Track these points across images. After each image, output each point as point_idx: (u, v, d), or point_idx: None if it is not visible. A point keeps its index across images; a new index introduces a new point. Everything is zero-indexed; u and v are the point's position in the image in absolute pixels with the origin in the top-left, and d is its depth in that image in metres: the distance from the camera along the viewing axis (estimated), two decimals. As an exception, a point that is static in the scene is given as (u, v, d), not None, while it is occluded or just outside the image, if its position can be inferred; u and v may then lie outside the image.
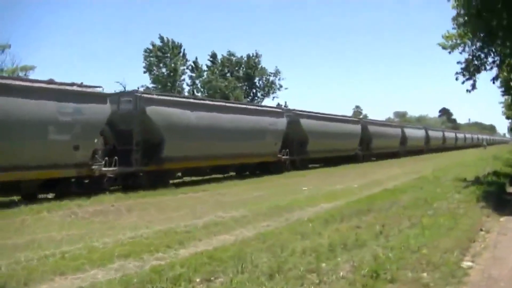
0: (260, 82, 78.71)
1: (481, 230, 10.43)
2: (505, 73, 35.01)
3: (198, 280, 6.72)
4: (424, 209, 12.03)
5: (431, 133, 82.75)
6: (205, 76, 72.11)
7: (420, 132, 77.71)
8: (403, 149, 66.72)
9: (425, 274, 6.81)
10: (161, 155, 23.58)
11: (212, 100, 36.28)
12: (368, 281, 6.31)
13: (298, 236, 9.46)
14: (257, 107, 39.27)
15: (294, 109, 43.48)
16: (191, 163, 26.35)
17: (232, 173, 31.42)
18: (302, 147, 40.60)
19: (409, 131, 71.61)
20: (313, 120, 43.36)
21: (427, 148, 77.59)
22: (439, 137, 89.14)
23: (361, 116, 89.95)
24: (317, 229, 10.11)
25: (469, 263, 7.70)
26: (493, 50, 26.10)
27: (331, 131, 45.33)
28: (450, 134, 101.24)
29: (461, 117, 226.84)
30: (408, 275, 6.72)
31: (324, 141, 43.14)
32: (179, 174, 27.99)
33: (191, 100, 30.36)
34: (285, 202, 15.86)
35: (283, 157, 36.67)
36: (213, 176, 29.42)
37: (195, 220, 12.79)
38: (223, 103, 34.32)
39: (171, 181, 25.58)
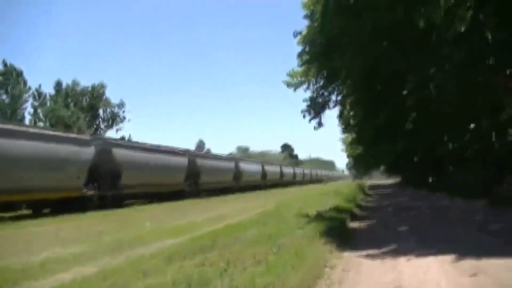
0: (104, 113, 77.17)
1: (326, 266, 10.38)
2: (345, 112, 36.67)
3: None
4: (268, 245, 11.76)
5: (268, 168, 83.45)
6: (48, 105, 69.34)
7: (256, 167, 77.13)
8: (237, 184, 64.69)
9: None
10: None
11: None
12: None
13: (140, 274, 8.89)
14: (54, 134, 33.13)
15: (105, 137, 44.12)
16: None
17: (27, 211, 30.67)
18: (114, 181, 37.39)
19: (244, 166, 70.15)
20: (129, 151, 40.05)
21: (264, 183, 77.12)
22: (276, 172, 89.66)
23: (205, 150, 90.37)
24: (160, 266, 9.57)
25: (316, 302, 7.53)
26: (335, 88, 27.10)
27: (151, 164, 42.91)
28: (288, 170, 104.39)
29: (302, 153, 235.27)
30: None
31: (142, 175, 39.57)
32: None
33: None
34: (128, 237, 15.30)
35: (89, 192, 33.28)
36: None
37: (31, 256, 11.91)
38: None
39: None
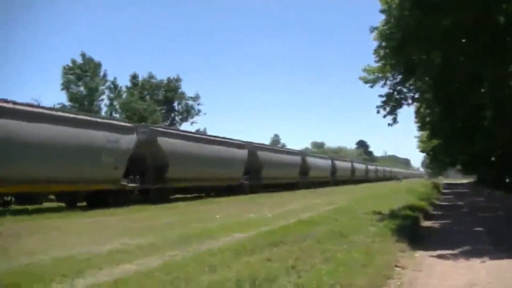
0: (179, 106, 78.01)
1: (396, 266, 10.17)
2: (421, 109, 35.95)
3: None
4: (338, 242, 11.64)
5: (338, 163, 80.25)
6: (124, 97, 70.66)
7: (326, 162, 73.57)
8: (304, 180, 60.18)
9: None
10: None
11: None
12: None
13: (205, 268, 8.82)
14: (90, 119, 29.56)
15: (151, 125, 38.74)
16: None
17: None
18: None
19: (312, 160, 66.55)
20: (177, 140, 35.35)
21: (333, 179, 73.69)
22: (347, 168, 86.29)
23: (279, 145, 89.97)
24: (226, 261, 9.52)
25: (385, 302, 7.39)
26: (412, 84, 26.58)
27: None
28: (371, 167, 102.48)
29: (377, 150, 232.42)
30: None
31: (192, 167, 35.74)
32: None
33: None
34: (197, 230, 15.24)
35: (129, 184, 29.66)
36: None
37: (98, 246, 11.93)
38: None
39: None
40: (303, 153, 66.07)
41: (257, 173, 47.67)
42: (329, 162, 73.81)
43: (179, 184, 35.27)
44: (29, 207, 24.88)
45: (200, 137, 41.01)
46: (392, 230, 14.09)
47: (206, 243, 12.51)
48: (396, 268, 10.02)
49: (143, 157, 31.78)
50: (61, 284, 7.93)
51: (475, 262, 10.82)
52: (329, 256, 9.87)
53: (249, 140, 49.24)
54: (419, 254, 12.10)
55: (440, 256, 11.73)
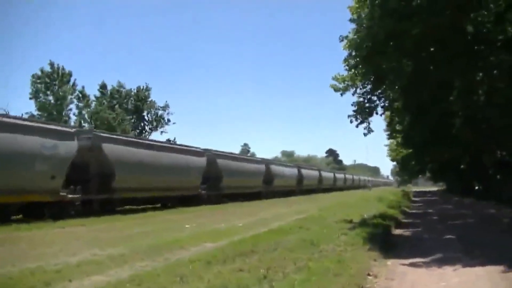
0: (149, 115, 77.79)
1: (369, 275, 10.10)
2: (392, 118, 36.22)
3: None
4: (310, 251, 11.56)
5: (324, 174, 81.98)
6: (93, 106, 70.20)
7: (291, 171, 71.27)
8: (268, 189, 58.47)
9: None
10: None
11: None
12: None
13: (176, 278, 8.70)
14: (25, 123, 26.16)
15: (94, 130, 36.53)
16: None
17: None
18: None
19: (277, 169, 64.18)
20: (124, 147, 32.89)
21: (299, 188, 72.09)
22: (314, 177, 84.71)
23: (248, 154, 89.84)
24: (197, 271, 9.39)
25: (359, 312, 7.30)
26: (382, 93, 26.75)
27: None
28: (339, 175, 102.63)
29: (346, 159, 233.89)
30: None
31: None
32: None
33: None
34: (167, 240, 15.24)
35: (69, 196, 27.10)
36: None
37: (68, 257, 11.86)
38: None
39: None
40: (267, 161, 63.92)
41: (216, 181, 44.99)
42: (295, 170, 72.56)
43: (127, 194, 32.58)
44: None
45: (152, 144, 38.17)
46: (364, 239, 14.04)
47: (176, 253, 12.38)
48: (369, 277, 9.92)
49: (86, 165, 29.76)
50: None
51: (448, 270, 10.79)
52: (301, 266, 9.77)
53: (218, 149, 48.20)
54: (391, 262, 12.05)
55: (412, 264, 11.69)
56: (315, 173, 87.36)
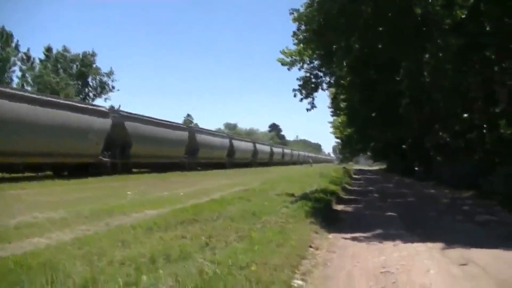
0: (93, 81, 76.52)
1: (311, 246, 10.14)
2: (337, 95, 36.46)
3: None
4: (252, 222, 11.52)
5: (259, 147, 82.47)
6: (37, 70, 68.61)
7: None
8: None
9: (255, 294, 6.22)
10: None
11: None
12: (192, 300, 5.53)
13: (118, 243, 8.61)
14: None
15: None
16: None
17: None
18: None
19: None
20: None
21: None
22: (266, 152, 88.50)
23: (191, 125, 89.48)
24: (139, 237, 9.30)
25: (300, 282, 7.28)
26: (329, 69, 26.83)
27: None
28: (278, 149, 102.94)
29: (289, 134, 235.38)
30: (236, 295, 6.09)
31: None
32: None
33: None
34: (108, 205, 15.05)
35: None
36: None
37: (7, 219, 11.67)
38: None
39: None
40: (191, 128, 60.57)
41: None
42: (226, 141, 69.00)
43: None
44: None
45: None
46: (306, 212, 14.10)
47: (117, 218, 12.19)
48: (310, 249, 9.97)
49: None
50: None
51: (388, 245, 10.91)
52: (243, 235, 9.74)
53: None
54: (332, 236, 12.13)
55: (353, 238, 11.80)
56: (267, 148, 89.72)
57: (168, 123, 49.92)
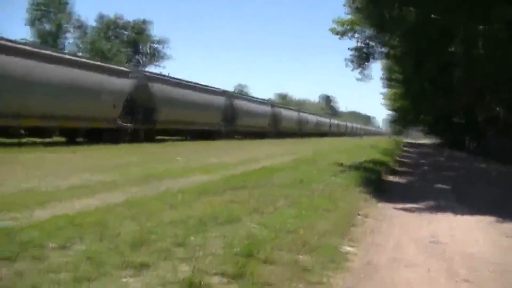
0: (145, 49, 76.97)
1: (359, 214, 10.09)
2: (390, 65, 35.93)
3: (51, 246, 5.72)
4: (301, 189, 11.48)
5: (305, 116, 79.97)
6: (89, 36, 69.45)
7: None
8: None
9: (302, 257, 6.21)
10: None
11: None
12: (241, 260, 5.52)
13: (166, 206, 8.62)
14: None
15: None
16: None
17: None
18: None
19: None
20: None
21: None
22: (313, 122, 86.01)
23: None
24: (187, 200, 9.31)
25: (348, 248, 7.25)
26: (383, 40, 26.41)
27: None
28: (325, 120, 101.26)
29: (341, 105, 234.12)
30: (284, 257, 6.08)
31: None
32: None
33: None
34: (159, 170, 15.11)
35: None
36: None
37: (59, 181, 11.71)
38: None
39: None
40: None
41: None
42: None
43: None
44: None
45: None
46: (355, 181, 14.04)
47: (166, 183, 12.27)
48: (359, 217, 9.93)
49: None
50: (19, 214, 7.62)
51: (438, 216, 10.80)
52: (292, 201, 9.70)
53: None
54: (381, 205, 12.06)
55: (403, 209, 11.69)
56: (314, 118, 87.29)
57: (202, 86, 44.99)
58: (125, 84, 32.29)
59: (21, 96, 23.82)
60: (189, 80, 44.23)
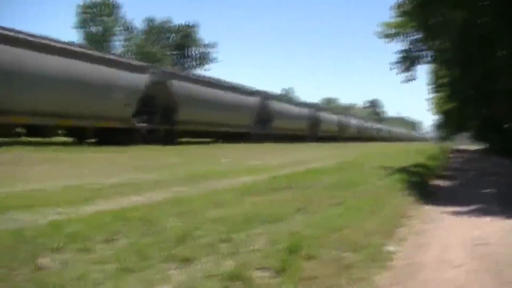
0: (193, 52, 77.73)
1: (405, 216, 10.14)
2: (438, 70, 35.57)
3: (98, 239, 5.96)
4: (346, 191, 11.59)
5: (346, 120, 79.54)
6: (137, 39, 70.56)
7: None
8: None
9: (345, 254, 6.31)
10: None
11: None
12: (284, 257, 5.66)
13: (210, 204, 8.84)
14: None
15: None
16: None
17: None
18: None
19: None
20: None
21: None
22: (355, 126, 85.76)
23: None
24: (232, 200, 9.54)
25: (392, 248, 7.31)
26: (430, 43, 26.24)
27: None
28: (368, 125, 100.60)
29: (388, 111, 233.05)
30: (328, 254, 6.18)
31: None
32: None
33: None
34: (203, 170, 15.52)
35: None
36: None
37: (105, 179, 12.17)
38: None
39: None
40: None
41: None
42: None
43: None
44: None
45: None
46: (401, 184, 14.06)
47: (211, 183, 12.53)
48: (404, 219, 9.95)
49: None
50: (68, 209, 7.89)
51: (484, 220, 10.72)
52: (337, 202, 9.81)
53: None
54: (427, 208, 12.06)
55: (448, 212, 11.63)
56: (355, 122, 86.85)
57: (231, 86, 42.61)
58: (139, 80, 30.04)
59: (7, 89, 21.77)
60: (221, 79, 42.47)
